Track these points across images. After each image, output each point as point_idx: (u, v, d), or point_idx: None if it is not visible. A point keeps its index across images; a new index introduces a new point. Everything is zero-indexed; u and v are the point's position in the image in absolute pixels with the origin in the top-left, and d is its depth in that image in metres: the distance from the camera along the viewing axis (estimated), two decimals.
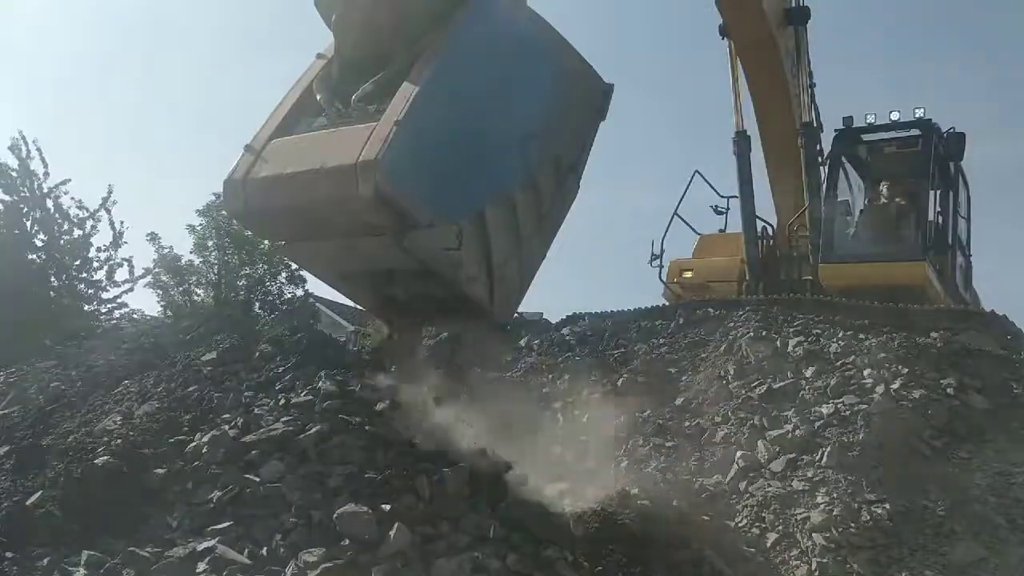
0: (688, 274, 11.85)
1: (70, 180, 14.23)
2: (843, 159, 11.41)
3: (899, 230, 10.61)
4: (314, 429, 5.07)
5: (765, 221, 11.61)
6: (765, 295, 10.12)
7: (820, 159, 11.27)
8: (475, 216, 4.95)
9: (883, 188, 11.30)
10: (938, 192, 10.82)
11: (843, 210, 11.09)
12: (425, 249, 4.74)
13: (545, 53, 5.36)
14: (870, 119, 11.06)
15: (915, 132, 10.79)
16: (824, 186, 11.02)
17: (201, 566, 4.19)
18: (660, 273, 11.77)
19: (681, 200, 11.75)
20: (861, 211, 11.45)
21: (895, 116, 10.82)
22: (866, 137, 11.36)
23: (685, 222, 11.93)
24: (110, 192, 14.54)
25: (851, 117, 11.22)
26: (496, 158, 5.05)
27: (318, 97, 5.16)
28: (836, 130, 11.30)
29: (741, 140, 11.28)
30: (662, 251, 11.76)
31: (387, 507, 4.47)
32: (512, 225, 5.15)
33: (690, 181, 11.69)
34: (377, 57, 5.04)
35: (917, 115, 10.67)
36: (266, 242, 20.89)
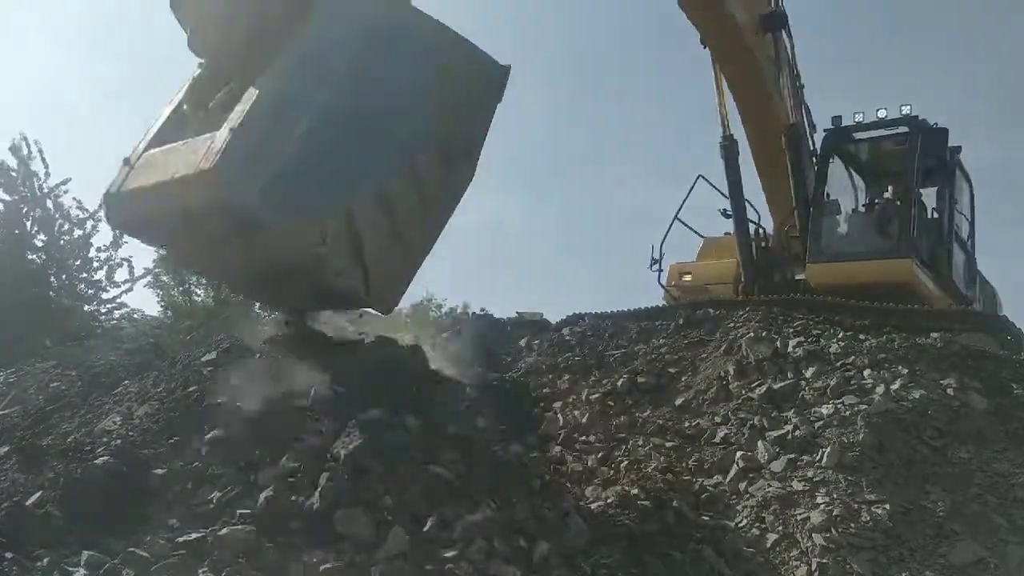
0: (687, 278, 11.88)
1: (71, 180, 14.24)
2: (835, 158, 11.46)
3: (884, 227, 10.60)
4: None
5: (758, 224, 11.63)
6: (761, 297, 10.14)
7: (813, 159, 11.32)
8: (342, 212, 5.00)
9: (873, 186, 11.35)
10: (931, 189, 10.85)
11: (833, 210, 11.12)
12: (286, 249, 4.86)
13: (414, 46, 5.31)
14: (858, 117, 11.09)
15: (902, 129, 10.79)
16: (813, 186, 11.06)
17: (201, 566, 4.19)
18: (659, 277, 11.80)
19: (682, 205, 11.74)
20: (852, 210, 11.47)
21: (882, 113, 10.84)
22: (858, 135, 11.36)
23: (688, 226, 11.92)
24: None
25: (840, 116, 11.28)
26: (360, 154, 5.04)
27: (184, 108, 5.30)
28: (825, 130, 11.37)
29: (728, 144, 11.37)
30: (661, 255, 11.77)
31: None
32: (388, 217, 5.19)
33: (692, 186, 11.68)
34: (235, 68, 5.14)
35: (904, 112, 10.68)
36: None
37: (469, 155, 5.65)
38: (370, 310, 6.35)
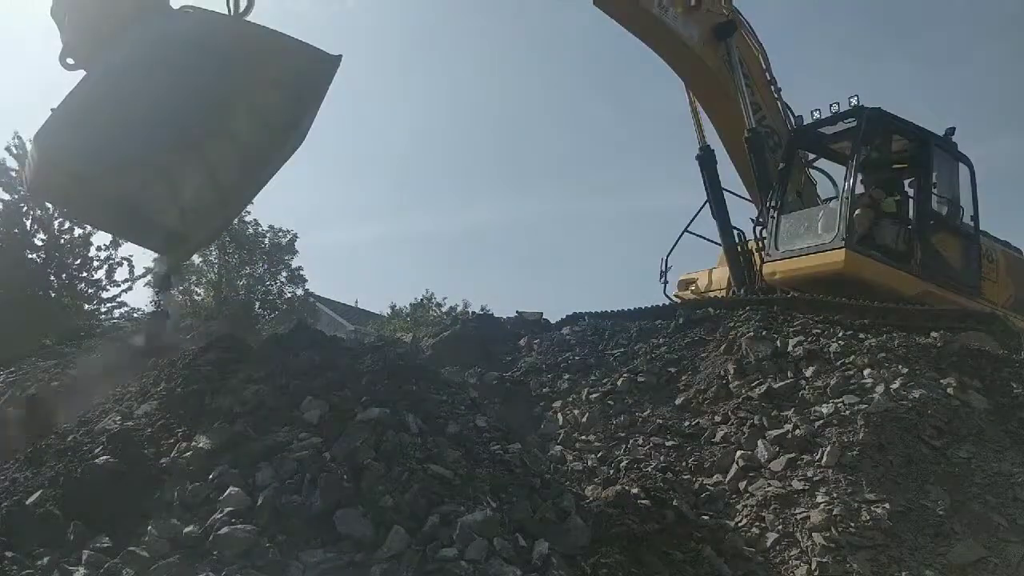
0: (692, 287, 12.02)
1: None
2: (806, 157, 11.60)
3: (826, 220, 10.65)
4: None
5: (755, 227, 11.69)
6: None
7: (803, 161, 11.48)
8: (160, 163, 6.18)
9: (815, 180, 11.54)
10: (903, 177, 10.90)
11: (793, 208, 11.19)
12: (105, 190, 6.22)
13: (224, 45, 6.57)
14: (815, 115, 11.17)
15: (851, 121, 10.83)
16: (776, 187, 11.17)
17: (201, 566, 4.19)
18: (665, 289, 11.88)
19: (693, 219, 11.83)
20: (803, 208, 11.54)
21: (835, 108, 10.92)
22: (825, 131, 11.40)
23: (703, 237, 11.97)
24: None
25: (801, 116, 11.43)
26: (176, 123, 6.23)
27: None
28: (792, 131, 11.52)
29: (705, 154, 11.50)
30: (667, 267, 11.85)
31: None
32: (206, 168, 6.38)
33: (707, 200, 11.71)
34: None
35: (852, 103, 10.72)
36: (266, 241, 20.97)
37: (294, 126, 6.80)
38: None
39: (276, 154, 6.83)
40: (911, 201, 11.00)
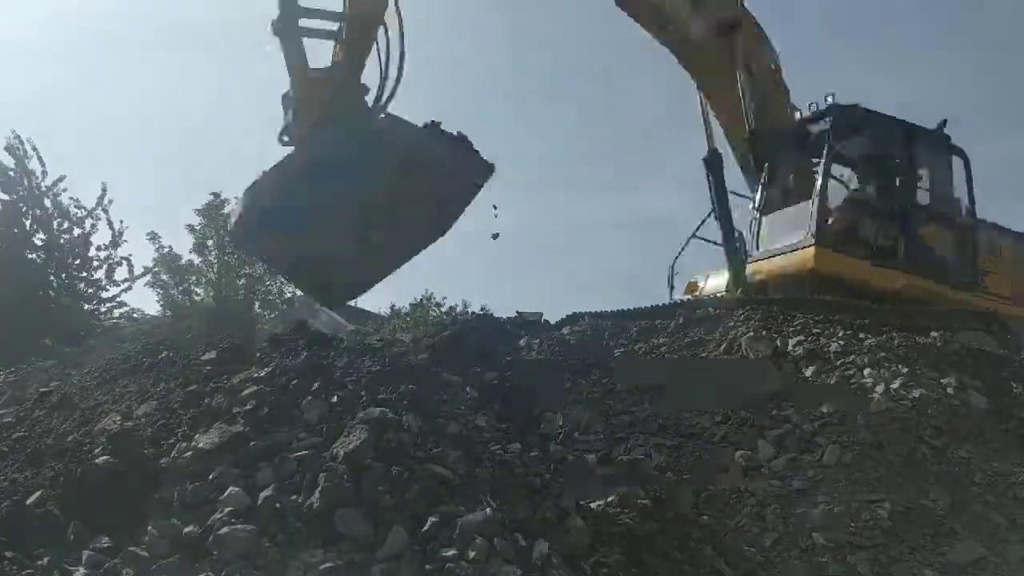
0: (696, 292, 12.03)
1: (65, 177, 14.23)
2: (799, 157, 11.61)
3: (797, 219, 10.67)
4: None
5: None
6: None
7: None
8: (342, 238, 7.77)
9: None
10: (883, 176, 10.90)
11: (772, 211, 11.20)
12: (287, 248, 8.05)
13: (385, 148, 7.75)
14: (797, 115, 11.19)
15: (827, 120, 10.83)
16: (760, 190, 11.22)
17: (201, 566, 4.19)
18: (671, 294, 11.89)
19: (701, 224, 11.80)
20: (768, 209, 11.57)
21: (814, 108, 10.93)
22: (812, 129, 11.40)
23: (709, 240, 11.97)
24: (104, 191, 14.54)
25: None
26: (348, 203, 7.68)
27: None
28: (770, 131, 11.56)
29: (713, 157, 11.50)
30: (674, 272, 11.85)
31: None
32: (365, 238, 7.82)
33: (714, 206, 11.70)
34: None
35: (828, 101, 10.73)
36: None
37: (447, 218, 8.14)
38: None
39: (429, 237, 8.19)
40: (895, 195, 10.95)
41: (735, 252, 11.41)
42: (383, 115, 8.00)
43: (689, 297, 11.83)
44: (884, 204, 10.85)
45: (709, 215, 11.69)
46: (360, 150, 7.65)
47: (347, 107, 7.90)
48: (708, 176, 11.47)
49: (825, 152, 10.61)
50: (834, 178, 11.77)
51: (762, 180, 11.31)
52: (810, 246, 10.07)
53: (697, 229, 11.77)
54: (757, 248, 10.90)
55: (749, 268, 10.79)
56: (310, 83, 7.88)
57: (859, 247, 10.42)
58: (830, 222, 10.42)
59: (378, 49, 7.93)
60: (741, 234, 11.67)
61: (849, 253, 10.35)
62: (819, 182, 10.58)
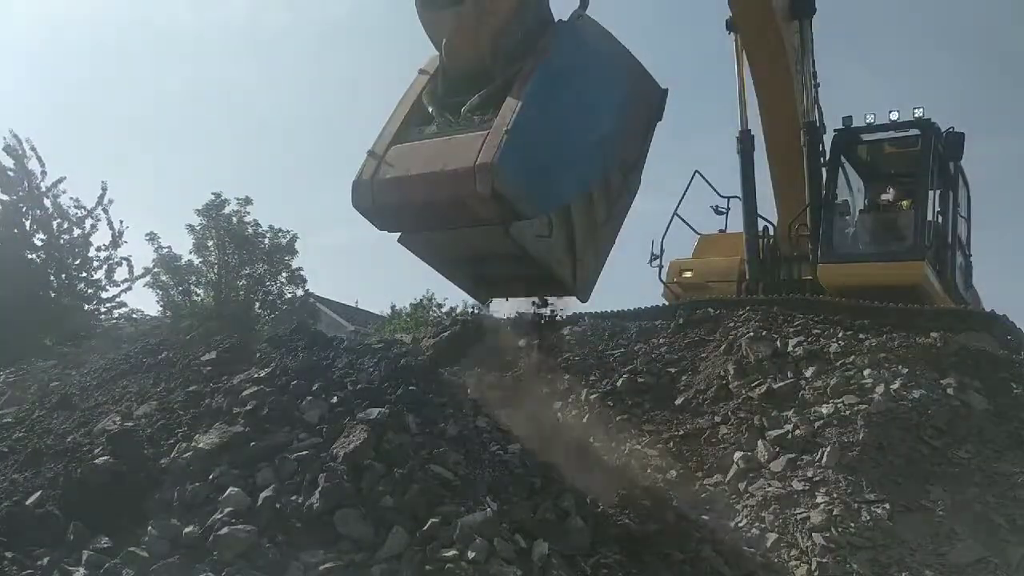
0: (688, 274, 11.87)
1: (65, 178, 14.22)
2: (842, 159, 11.45)
3: (898, 230, 10.64)
4: None
5: (767, 220, 11.63)
6: (765, 295, 10.14)
7: (822, 159, 11.31)
8: (562, 209, 5.80)
9: (883, 188, 11.34)
10: (937, 192, 10.86)
11: (843, 210, 11.12)
12: (525, 237, 5.59)
13: (616, 67, 6.14)
14: (869, 119, 11.10)
15: (914, 132, 10.81)
16: (824, 186, 11.05)
17: (201, 566, 4.19)
18: (660, 273, 11.80)
19: (681, 200, 11.75)
20: (861, 211, 11.48)
21: (894, 116, 10.86)
22: (866, 137, 11.38)
23: (685, 222, 11.94)
24: (104, 190, 14.53)
25: (850, 117, 11.27)
26: (580, 159, 5.88)
27: (429, 109, 5.95)
28: (836, 130, 11.35)
29: (745, 139, 11.36)
30: (662, 251, 11.78)
31: None
32: (590, 215, 6.01)
33: (690, 181, 11.70)
34: (478, 74, 5.82)
35: (916, 115, 10.70)
36: (266, 241, 20.96)
37: (637, 168, 6.41)
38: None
39: (627, 202, 6.44)
40: (939, 217, 10.95)
41: (756, 240, 11.31)
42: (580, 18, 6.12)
43: (677, 283, 11.72)
44: (943, 225, 10.91)
45: (687, 189, 11.60)
46: (601, 74, 6.02)
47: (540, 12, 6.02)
48: (740, 156, 11.34)
49: (926, 167, 10.50)
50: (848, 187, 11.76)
51: (828, 177, 11.12)
52: (919, 259, 10.04)
53: (678, 206, 11.69)
54: (832, 249, 10.64)
55: (822, 269, 10.50)
56: None
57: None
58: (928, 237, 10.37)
59: None
60: (769, 224, 11.58)
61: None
62: (931, 196, 10.51)
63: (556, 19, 6.01)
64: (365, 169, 5.81)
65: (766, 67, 10.83)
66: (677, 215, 11.74)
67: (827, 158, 11.25)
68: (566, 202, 5.82)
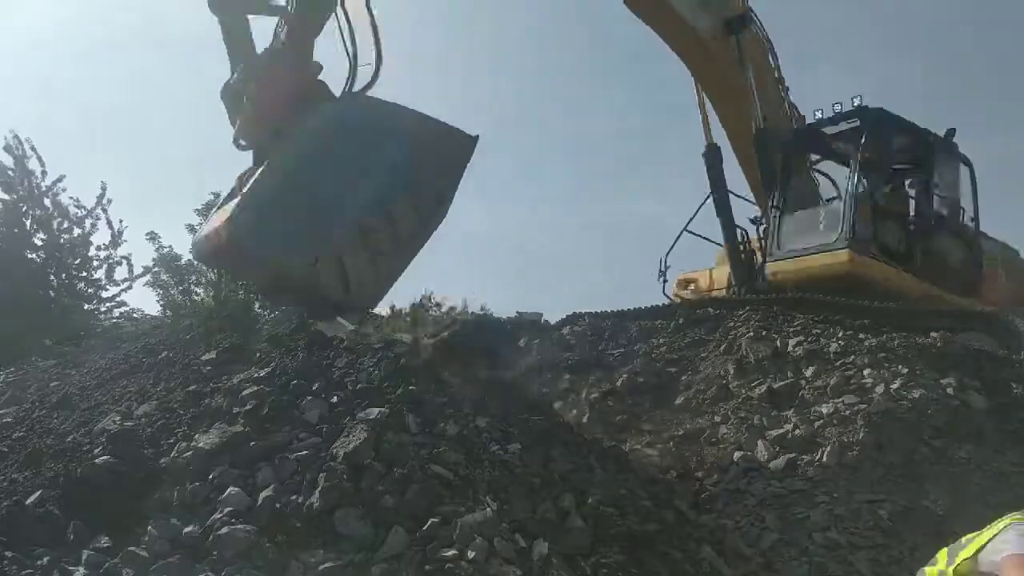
0: (691, 287, 12.00)
1: (65, 177, 14.21)
2: (810, 157, 11.64)
3: (829, 220, 10.66)
4: None
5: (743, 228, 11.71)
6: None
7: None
8: (329, 247, 6.80)
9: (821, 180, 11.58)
10: (907, 177, 10.91)
11: (793, 209, 11.19)
12: (287, 273, 6.88)
13: (390, 130, 6.99)
14: (818, 115, 11.18)
15: (855, 121, 10.82)
16: (776, 187, 11.18)
17: (201, 566, 4.19)
18: (664, 288, 11.87)
19: (692, 218, 11.78)
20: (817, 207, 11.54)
21: (837, 108, 10.91)
22: (829, 131, 11.40)
23: (703, 237, 11.96)
24: (104, 190, 14.52)
25: (803, 116, 11.42)
26: (344, 205, 6.82)
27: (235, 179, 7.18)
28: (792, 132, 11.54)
29: (711, 152, 11.52)
30: (667, 267, 11.84)
31: None
32: (366, 248, 6.99)
33: (705, 199, 11.70)
34: (263, 154, 7.01)
35: (855, 103, 10.72)
36: None
37: (440, 202, 7.35)
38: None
39: (424, 231, 7.34)
40: (911, 202, 11.00)
41: (736, 247, 11.40)
42: (360, 100, 7.00)
43: (679, 296, 11.80)
44: (904, 210, 10.89)
45: (700, 207, 11.68)
46: (365, 136, 6.83)
47: (316, 95, 6.96)
48: (708, 170, 11.49)
49: (857, 155, 10.55)
50: (827, 177, 11.85)
51: (779, 178, 11.23)
52: (843, 248, 10.04)
53: (689, 223, 11.76)
54: (779, 247, 10.80)
55: (770, 267, 10.70)
56: (263, 69, 6.90)
57: (880, 251, 10.43)
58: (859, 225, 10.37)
59: (339, 27, 6.89)
60: (745, 231, 11.66)
61: (876, 257, 10.37)
62: (851, 184, 10.54)
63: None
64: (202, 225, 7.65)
65: (710, 83, 11.33)
66: (688, 231, 11.79)
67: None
68: (325, 241, 6.78)
